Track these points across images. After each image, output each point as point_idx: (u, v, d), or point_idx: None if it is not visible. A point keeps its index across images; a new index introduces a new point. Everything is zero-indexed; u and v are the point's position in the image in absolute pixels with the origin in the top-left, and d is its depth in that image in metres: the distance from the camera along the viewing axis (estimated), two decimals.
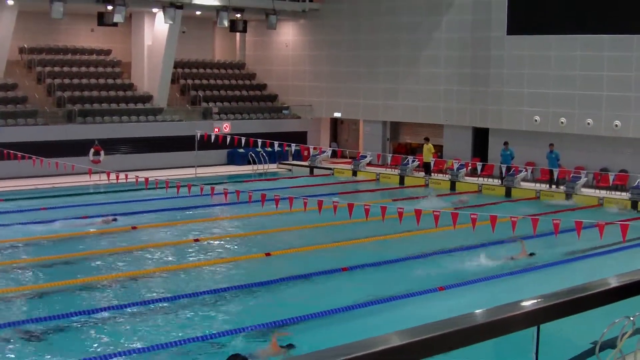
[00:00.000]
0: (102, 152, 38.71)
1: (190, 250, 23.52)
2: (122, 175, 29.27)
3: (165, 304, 17.79)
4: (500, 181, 37.00)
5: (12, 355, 14.51)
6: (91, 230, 26.19)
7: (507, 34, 38.97)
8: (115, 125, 40.79)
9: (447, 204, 31.12)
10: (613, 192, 34.54)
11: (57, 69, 42.84)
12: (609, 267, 21.17)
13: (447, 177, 38.33)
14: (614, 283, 6.03)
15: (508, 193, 35.58)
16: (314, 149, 43.28)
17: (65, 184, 34.42)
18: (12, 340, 15.14)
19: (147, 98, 43.75)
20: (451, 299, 18.43)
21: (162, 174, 33.45)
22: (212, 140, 38.63)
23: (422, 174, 38.94)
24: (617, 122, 35.77)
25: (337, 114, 47.83)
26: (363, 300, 17.88)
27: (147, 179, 28.13)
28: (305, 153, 43.89)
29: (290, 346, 14.72)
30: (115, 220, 27.33)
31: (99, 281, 19.69)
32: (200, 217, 28.68)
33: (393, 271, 21.37)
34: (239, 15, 44.74)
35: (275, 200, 24.64)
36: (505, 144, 37.69)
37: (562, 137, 37.11)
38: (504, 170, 36.52)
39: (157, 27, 43.25)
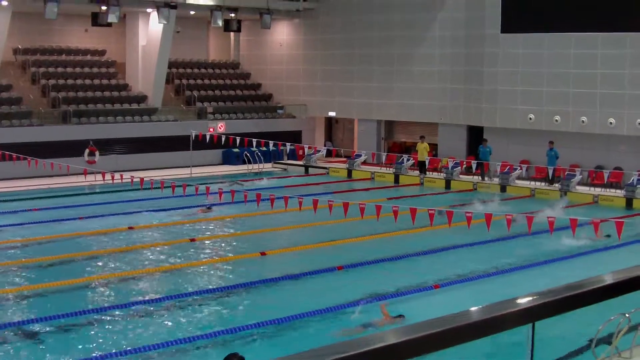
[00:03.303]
0: (97, 153, 38.66)
1: (186, 250, 23.50)
2: (117, 176, 29.26)
3: (160, 304, 17.80)
4: (481, 178, 37.18)
5: (11, 356, 14.51)
6: (192, 219, 27.76)
7: (501, 32, 39.01)
8: (110, 125, 40.77)
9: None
10: (608, 190, 34.61)
11: (51, 69, 42.80)
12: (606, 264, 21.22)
13: (442, 175, 38.34)
14: (609, 280, 6.05)
15: (503, 191, 35.60)
16: (309, 148, 43.26)
17: (60, 185, 34.39)
18: (10, 341, 15.14)
19: (142, 98, 43.72)
20: (447, 296, 18.49)
21: (157, 174, 33.42)
22: (207, 140, 38.62)
23: (417, 172, 38.97)
24: (612, 120, 35.83)
25: (331, 113, 47.84)
26: (359, 299, 17.92)
27: (142, 179, 28.13)
28: (300, 152, 43.87)
29: (401, 316, 16.00)
30: (210, 209, 28.75)
31: (94, 281, 19.70)
32: (195, 217, 28.67)
33: (387, 269, 21.40)
34: (233, 15, 44.76)
35: (271, 200, 24.66)
36: (484, 141, 37.97)
37: (556, 135, 37.13)
38: (494, 169, 36.89)
39: (152, 27, 43.22)
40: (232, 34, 49.89)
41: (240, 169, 41.42)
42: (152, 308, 17.51)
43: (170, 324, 16.51)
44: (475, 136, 41.21)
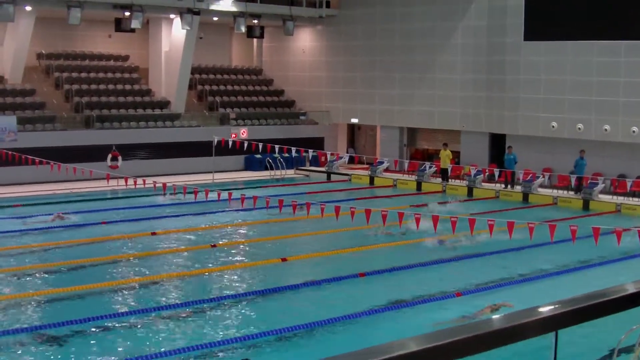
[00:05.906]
0: (119, 158, 38.82)
1: (207, 255, 23.54)
2: (139, 181, 29.38)
3: (181, 310, 17.82)
4: (504, 186, 37.05)
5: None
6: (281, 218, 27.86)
7: (524, 40, 38.89)
8: (132, 130, 40.93)
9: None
10: (631, 198, 34.40)
11: (75, 74, 43.03)
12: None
13: (465, 183, 38.22)
14: (632, 289, 6.01)
15: (525, 199, 35.46)
16: (331, 154, 43.26)
17: (83, 190, 34.52)
18: (32, 345, 15.21)
19: (165, 104, 43.88)
20: (469, 304, 18.41)
21: (179, 180, 33.52)
22: (230, 146, 38.69)
23: (440, 179, 38.87)
24: (635, 128, 35.62)
25: (354, 120, 47.84)
26: (380, 306, 17.88)
27: (164, 184, 28.22)
28: (323, 159, 43.88)
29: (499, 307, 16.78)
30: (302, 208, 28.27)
31: (117, 286, 19.74)
32: (217, 223, 28.72)
33: (407, 277, 21.34)
34: (256, 21, 44.85)
35: (293, 206, 24.67)
36: (509, 148, 37.87)
37: (579, 144, 36.94)
38: (514, 175, 36.81)
39: (175, 33, 43.38)
40: (254, 40, 50.01)
41: (263, 175, 41.47)
42: (173, 313, 17.54)
43: (190, 329, 16.52)
44: (498, 144, 41.11)
